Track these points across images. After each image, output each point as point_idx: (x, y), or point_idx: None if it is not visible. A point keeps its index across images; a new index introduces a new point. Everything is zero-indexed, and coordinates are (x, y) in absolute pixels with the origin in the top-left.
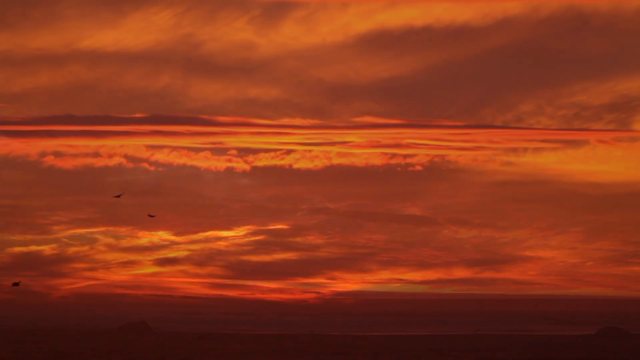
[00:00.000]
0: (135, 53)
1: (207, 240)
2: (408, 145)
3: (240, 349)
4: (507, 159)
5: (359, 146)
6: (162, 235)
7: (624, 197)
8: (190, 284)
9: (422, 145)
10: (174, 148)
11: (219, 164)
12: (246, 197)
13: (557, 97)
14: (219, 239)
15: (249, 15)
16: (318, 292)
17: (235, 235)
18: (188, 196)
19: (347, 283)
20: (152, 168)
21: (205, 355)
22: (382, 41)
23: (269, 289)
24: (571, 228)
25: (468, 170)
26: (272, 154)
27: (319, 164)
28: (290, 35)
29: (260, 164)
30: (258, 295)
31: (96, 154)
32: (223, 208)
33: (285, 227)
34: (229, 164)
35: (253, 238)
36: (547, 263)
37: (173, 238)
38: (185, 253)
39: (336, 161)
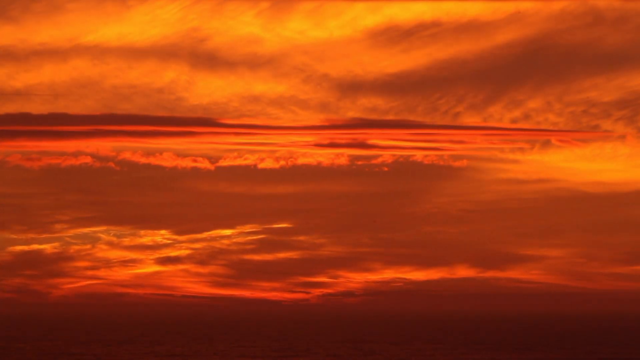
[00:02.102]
0: (140, 48)
1: (209, 239)
2: (369, 146)
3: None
4: (514, 157)
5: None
6: (164, 234)
7: (631, 196)
8: (192, 283)
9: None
10: (137, 148)
11: (183, 163)
12: (247, 196)
13: (566, 94)
14: (222, 237)
15: (257, 9)
16: (308, 292)
17: (239, 233)
18: (188, 195)
19: (350, 282)
20: (117, 168)
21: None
22: (390, 35)
23: (272, 287)
24: (576, 227)
25: (469, 169)
26: (235, 153)
27: (283, 163)
28: (297, 29)
29: (225, 163)
30: (260, 294)
31: (62, 153)
32: (224, 207)
33: (288, 225)
34: (195, 164)
35: (256, 237)
36: (551, 262)
37: (175, 237)
38: (187, 252)
39: (301, 161)
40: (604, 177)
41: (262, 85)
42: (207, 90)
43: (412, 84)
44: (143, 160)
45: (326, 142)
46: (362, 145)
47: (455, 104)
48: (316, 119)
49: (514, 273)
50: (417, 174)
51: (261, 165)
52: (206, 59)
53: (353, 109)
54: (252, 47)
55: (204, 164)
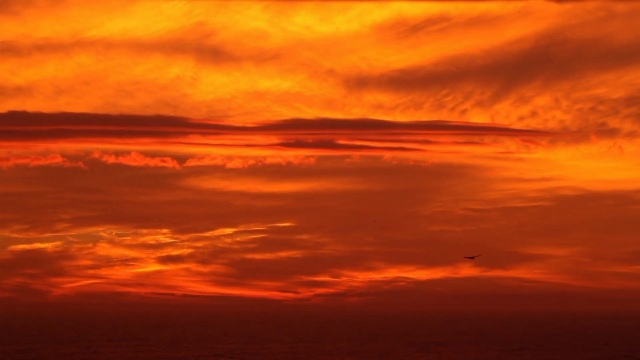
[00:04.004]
0: (145, 43)
1: (211, 238)
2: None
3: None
4: (519, 156)
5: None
6: (166, 233)
7: (638, 194)
8: (193, 282)
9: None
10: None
11: (151, 162)
12: (249, 195)
13: (574, 90)
14: (223, 236)
15: (263, 4)
16: (310, 292)
17: (241, 232)
18: (189, 194)
19: (353, 282)
20: (86, 167)
21: None
22: (397, 31)
23: (274, 287)
24: (581, 226)
25: (472, 167)
26: (202, 153)
27: (251, 163)
28: (303, 24)
29: (193, 163)
30: (261, 294)
31: (30, 152)
32: (226, 206)
33: (290, 224)
34: (163, 164)
35: (257, 236)
36: (556, 261)
37: (177, 236)
38: (188, 251)
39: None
40: (610, 175)
41: (268, 81)
42: (211, 87)
43: (419, 80)
44: (112, 159)
45: (292, 141)
46: (330, 145)
47: (463, 101)
48: (281, 119)
49: (518, 272)
50: (420, 173)
51: (229, 165)
52: (212, 54)
53: (358, 106)
54: (258, 43)
55: (172, 164)
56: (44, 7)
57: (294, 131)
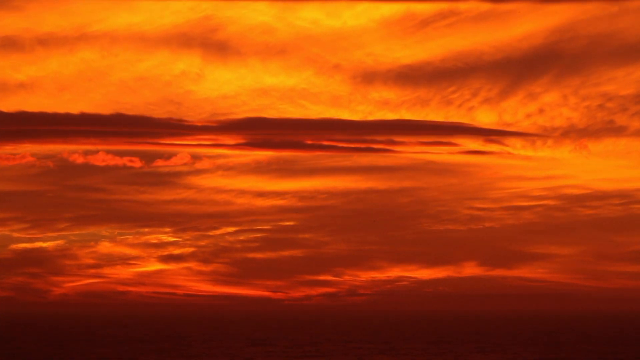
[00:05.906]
0: (150, 38)
1: (213, 237)
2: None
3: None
4: (525, 153)
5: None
6: (168, 232)
7: None
8: (194, 281)
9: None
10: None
11: (119, 162)
12: (251, 193)
13: (582, 87)
14: (225, 235)
15: None
16: (312, 291)
17: (241, 231)
18: (191, 192)
19: (355, 281)
20: (55, 167)
21: None
22: (405, 25)
23: (275, 286)
24: (586, 224)
25: (475, 166)
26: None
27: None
28: (310, 18)
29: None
30: (262, 293)
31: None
32: (227, 204)
33: (291, 223)
34: (131, 164)
35: (259, 235)
36: (560, 260)
37: (179, 234)
38: (190, 250)
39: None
40: (617, 173)
41: (273, 78)
42: (216, 83)
43: (426, 76)
44: (110, 158)
45: (259, 140)
46: (299, 145)
47: (470, 98)
48: (285, 117)
49: (522, 272)
50: (424, 171)
51: (198, 165)
52: (217, 49)
53: (364, 103)
54: (264, 37)
55: (138, 164)
56: (47, 1)
57: (297, 130)
